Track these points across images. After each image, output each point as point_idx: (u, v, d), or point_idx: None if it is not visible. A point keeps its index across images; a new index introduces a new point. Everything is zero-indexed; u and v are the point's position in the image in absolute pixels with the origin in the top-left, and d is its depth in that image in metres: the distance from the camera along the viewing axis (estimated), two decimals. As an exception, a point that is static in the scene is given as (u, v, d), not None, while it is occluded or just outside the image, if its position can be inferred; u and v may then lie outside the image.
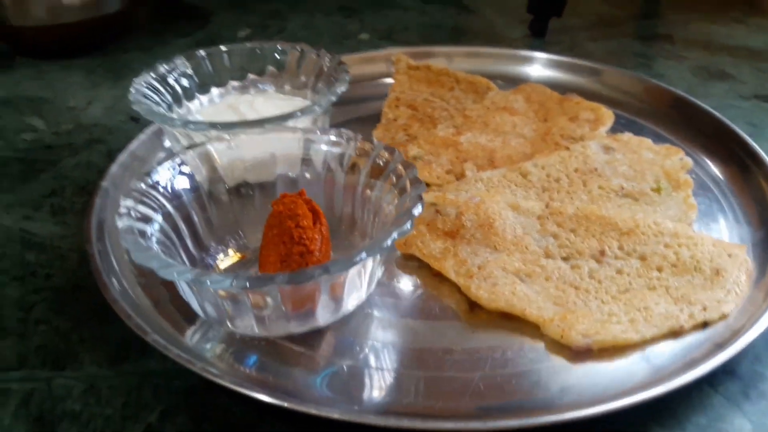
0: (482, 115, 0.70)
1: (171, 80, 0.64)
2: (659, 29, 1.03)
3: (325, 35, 1.02)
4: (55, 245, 0.57)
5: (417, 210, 0.44)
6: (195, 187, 0.50)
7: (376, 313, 0.48)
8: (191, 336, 0.45)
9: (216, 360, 0.43)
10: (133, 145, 0.64)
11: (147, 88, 0.61)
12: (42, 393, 0.43)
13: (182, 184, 0.49)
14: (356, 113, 0.75)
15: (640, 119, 0.72)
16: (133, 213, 0.44)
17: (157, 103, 0.61)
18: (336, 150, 0.52)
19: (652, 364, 0.43)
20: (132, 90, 0.59)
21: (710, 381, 0.42)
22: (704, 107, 0.69)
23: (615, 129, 0.68)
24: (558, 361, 0.44)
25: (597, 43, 0.94)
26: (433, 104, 0.75)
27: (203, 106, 0.67)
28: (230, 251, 0.51)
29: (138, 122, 0.74)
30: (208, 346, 0.44)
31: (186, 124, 0.56)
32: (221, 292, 0.42)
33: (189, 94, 0.66)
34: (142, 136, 0.65)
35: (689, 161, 0.62)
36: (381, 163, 0.50)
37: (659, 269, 0.49)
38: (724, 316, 0.46)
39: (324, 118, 0.64)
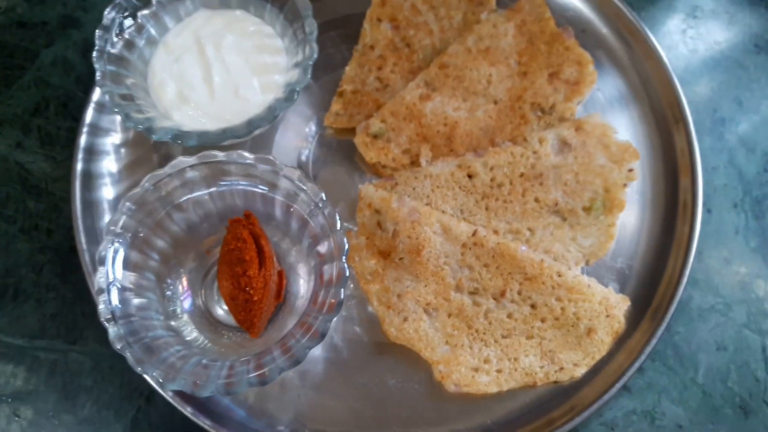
0: (459, 64, 0.67)
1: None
2: None
3: None
4: (50, 191, 0.66)
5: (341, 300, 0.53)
6: (132, 241, 0.54)
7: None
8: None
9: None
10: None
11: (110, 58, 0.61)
12: (62, 365, 0.60)
13: (119, 263, 0.53)
14: (345, 10, 0.72)
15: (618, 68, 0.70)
16: (110, 325, 0.50)
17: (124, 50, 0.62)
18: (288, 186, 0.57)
19: (498, 405, 0.59)
20: (98, 75, 0.59)
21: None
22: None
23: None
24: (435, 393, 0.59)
25: None
26: (417, 20, 0.70)
27: (169, 30, 0.65)
28: (184, 279, 0.60)
29: None
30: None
31: (175, 138, 0.57)
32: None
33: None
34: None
35: (636, 174, 0.64)
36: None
37: (543, 320, 0.60)
38: (573, 378, 0.59)
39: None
